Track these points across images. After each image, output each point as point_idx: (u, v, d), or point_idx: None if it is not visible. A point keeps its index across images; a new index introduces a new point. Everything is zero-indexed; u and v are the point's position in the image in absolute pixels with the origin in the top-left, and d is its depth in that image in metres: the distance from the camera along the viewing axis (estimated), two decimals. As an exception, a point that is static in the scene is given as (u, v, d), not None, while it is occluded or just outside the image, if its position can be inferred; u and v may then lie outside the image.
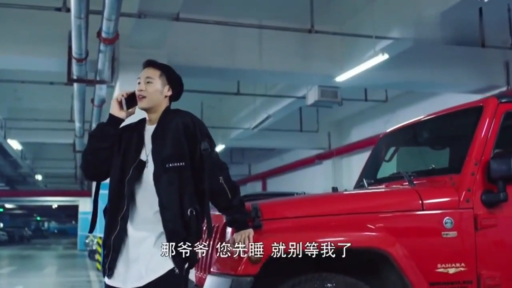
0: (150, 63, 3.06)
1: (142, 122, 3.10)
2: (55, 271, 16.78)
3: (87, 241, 24.47)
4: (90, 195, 28.18)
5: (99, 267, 16.41)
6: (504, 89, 10.35)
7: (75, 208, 38.93)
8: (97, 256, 17.24)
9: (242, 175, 25.28)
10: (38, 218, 67.50)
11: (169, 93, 3.05)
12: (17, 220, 55.31)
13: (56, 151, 22.11)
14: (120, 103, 3.01)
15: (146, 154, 2.98)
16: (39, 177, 30.26)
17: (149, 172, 2.94)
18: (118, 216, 2.91)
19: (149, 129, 3.04)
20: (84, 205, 33.69)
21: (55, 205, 47.76)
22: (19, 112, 14.98)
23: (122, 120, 3.04)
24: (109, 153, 2.99)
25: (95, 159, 3.01)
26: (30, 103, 14.59)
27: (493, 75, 10.42)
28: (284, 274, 3.14)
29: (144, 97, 2.99)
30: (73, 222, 57.00)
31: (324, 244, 3.16)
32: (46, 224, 72.41)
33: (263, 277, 3.01)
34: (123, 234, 2.89)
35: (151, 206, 2.91)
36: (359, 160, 16.03)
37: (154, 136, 2.99)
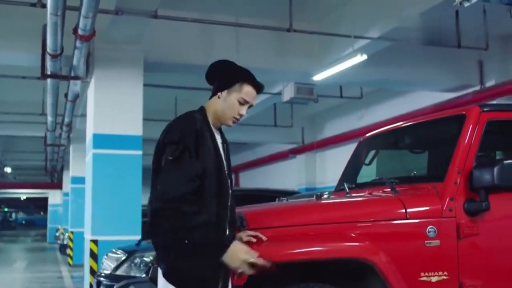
0: (263, 89, 2.93)
1: (207, 125, 2.84)
2: (25, 265, 16.56)
3: (57, 234, 24.21)
4: (60, 188, 27.88)
5: (70, 262, 16.27)
6: (477, 88, 10.50)
7: (44, 200, 38.49)
8: (68, 251, 17.08)
9: (215, 168, 25.17)
10: (6, 209, 66.52)
11: None
12: (-17, 211, 54.46)
13: (26, 143, 21.74)
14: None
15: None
16: (8, 169, 29.78)
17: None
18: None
19: (218, 137, 2.92)
20: (54, 197, 33.37)
21: (23, 197, 47.12)
22: (-11, 105, 14.67)
23: None
24: None
25: None
26: (0, 96, 14.28)
27: (467, 74, 10.55)
28: (270, 284, 3.13)
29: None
30: (42, 213, 56.32)
31: (309, 254, 3.19)
32: (13, 215, 71.38)
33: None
34: None
35: None
36: (332, 155, 16.19)
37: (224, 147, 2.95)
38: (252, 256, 2.70)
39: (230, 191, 2.89)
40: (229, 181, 2.89)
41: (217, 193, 2.75)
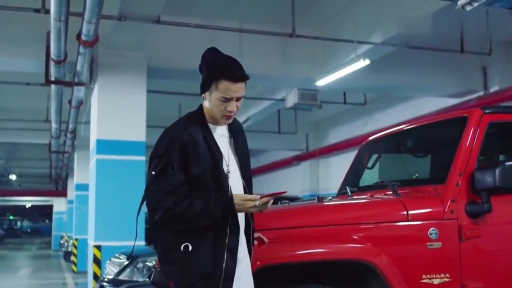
0: (247, 78, 2.76)
1: (201, 126, 2.80)
2: (29, 272, 16.54)
3: (62, 241, 24.21)
4: (64, 195, 27.90)
5: (75, 268, 16.26)
6: (481, 93, 10.48)
7: (49, 207, 38.52)
8: (72, 258, 17.07)
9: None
10: (11, 217, 66.51)
11: None
12: (-11, 219, 54.51)
13: (30, 151, 21.80)
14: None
15: (227, 164, 2.83)
16: (13, 177, 29.83)
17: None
18: None
19: (219, 133, 2.87)
20: (59, 205, 33.37)
21: (28, 205, 47.19)
22: (-7, 112, 14.71)
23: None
24: None
25: None
26: (4, 103, 14.31)
27: (470, 80, 10.54)
28: (270, 285, 3.12)
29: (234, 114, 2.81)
30: (47, 221, 56.32)
31: (310, 255, 3.18)
32: (19, 223, 71.34)
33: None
34: None
35: None
36: (335, 162, 16.14)
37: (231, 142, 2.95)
38: (253, 198, 2.71)
39: (242, 181, 2.89)
40: (237, 172, 2.87)
41: (217, 191, 2.72)
